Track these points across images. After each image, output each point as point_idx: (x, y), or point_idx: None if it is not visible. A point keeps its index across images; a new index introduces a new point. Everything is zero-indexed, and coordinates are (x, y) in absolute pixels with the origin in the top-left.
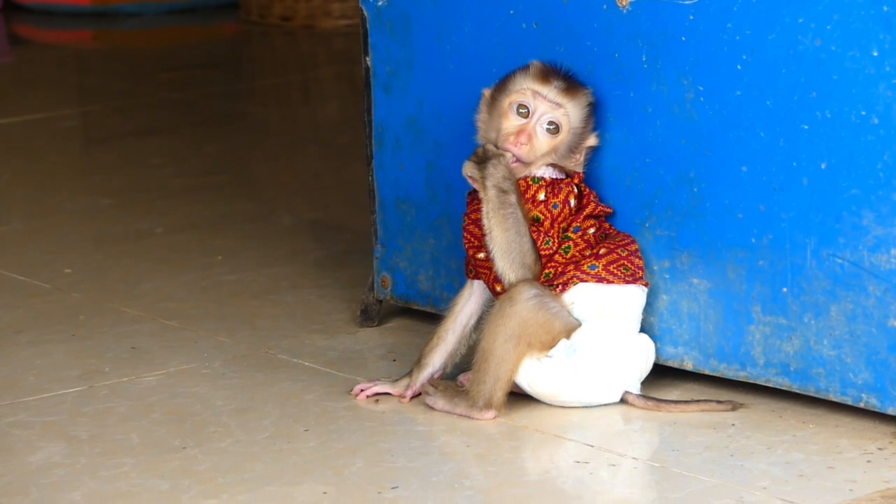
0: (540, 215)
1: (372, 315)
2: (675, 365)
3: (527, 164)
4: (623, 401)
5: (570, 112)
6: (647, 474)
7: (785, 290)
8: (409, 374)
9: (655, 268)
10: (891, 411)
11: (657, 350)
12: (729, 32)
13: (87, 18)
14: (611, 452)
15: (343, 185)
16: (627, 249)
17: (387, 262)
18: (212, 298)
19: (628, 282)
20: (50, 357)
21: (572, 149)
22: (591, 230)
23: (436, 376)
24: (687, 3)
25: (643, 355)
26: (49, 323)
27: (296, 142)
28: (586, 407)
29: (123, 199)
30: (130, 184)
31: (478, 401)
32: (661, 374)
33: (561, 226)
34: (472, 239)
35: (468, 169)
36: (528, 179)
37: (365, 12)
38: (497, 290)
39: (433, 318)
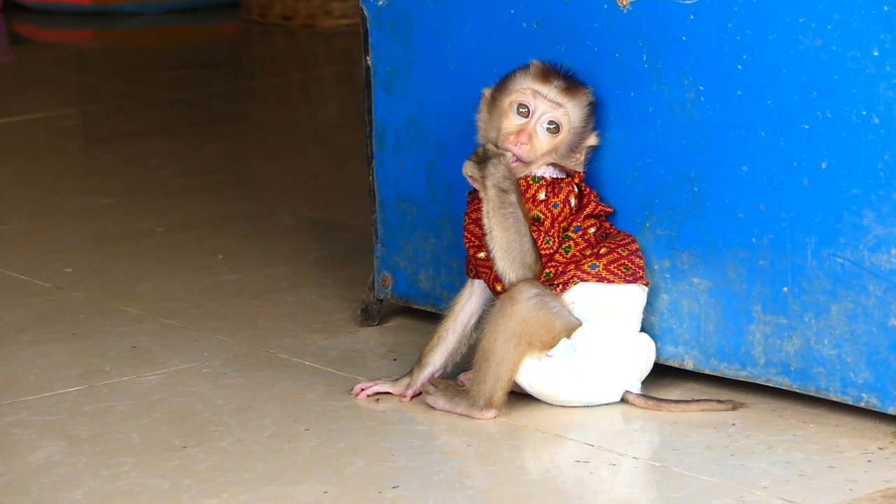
0: (540, 215)
1: (372, 314)
2: (676, 364)
3: (527, 163)
4: (624, 400)
5: (571, 111)
6: (647, 474)
7: (785, 289)
8: (410, 373)
9: (656, 267)
10: (891, 411)
11: (658, 349)
12: (729, 32)
13: (88, 18)
14: (611, 452)
15: (343, 184)
16: (628, 249)
17: (387, 261)
18: (212, 298)
19: (629, 281)
20: (50, 356)
21: (573, 148)
22: (592, 230)
23: (436, 376)
24: (687, 2)
25: (644, 355)
26: (50, 322)
27: (296, 141)
28: (587, 406)
29: (124, 198)
30: (131, 183)
31: (478, 400)
32: (661, 373)
33: (561, 225)
34: (473, 238)
35: (468, 168)
36: (529, 179)
37: (365, 12)
38: (497, 289)
39: (434, 317)
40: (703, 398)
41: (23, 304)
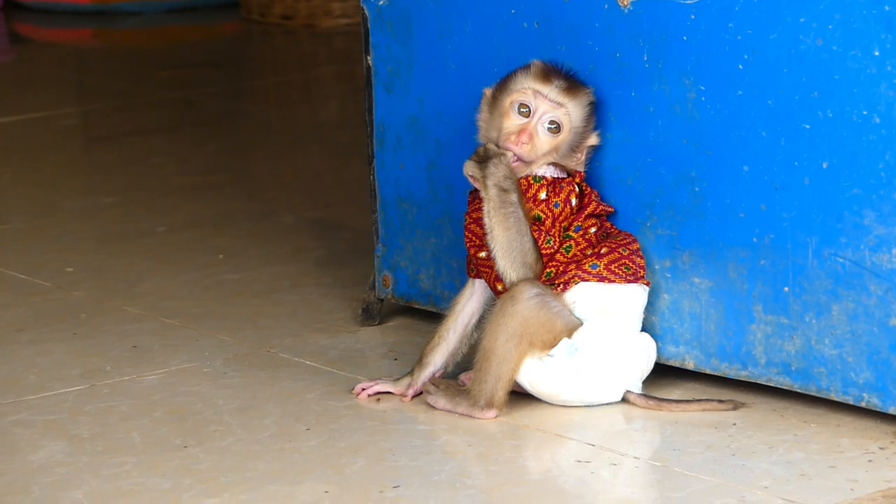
0: (541, 214)
1: (373, 314)
2: (677, 364)
3: (528, 163)
4: (624, 400)
5: (572, 111)
6: (648, 473)
7: (786, 289)
8: (411, 373)
9: (657, 267)
10: (892, 411)
11: (658, 349)
12: (730, 32)
13: (88, 17)
14: (612, 452)
15: (344, 184)
16: (629, 249)
17: (388, 260)
18: (213, 297)
19: (630, 281)
20: (51, 356)
21: (573, 148)
22: (593, 229)
23: (437, 375)
24: (688, 2)
25: (644, 354)
26: (50, 321)
27: (297, 141)
28: (588, 406)
29: (124, 197)
30: (131, 183)
31: (479, 400)
32: (662, 373)
33: (562, 225)
34: (474, 238)
35: (469, 168)
36: (530, 178)
37: (366, 11)
38: (498, 289)
39: (434, 317)
40: (704, 398)
41: (23, 303)
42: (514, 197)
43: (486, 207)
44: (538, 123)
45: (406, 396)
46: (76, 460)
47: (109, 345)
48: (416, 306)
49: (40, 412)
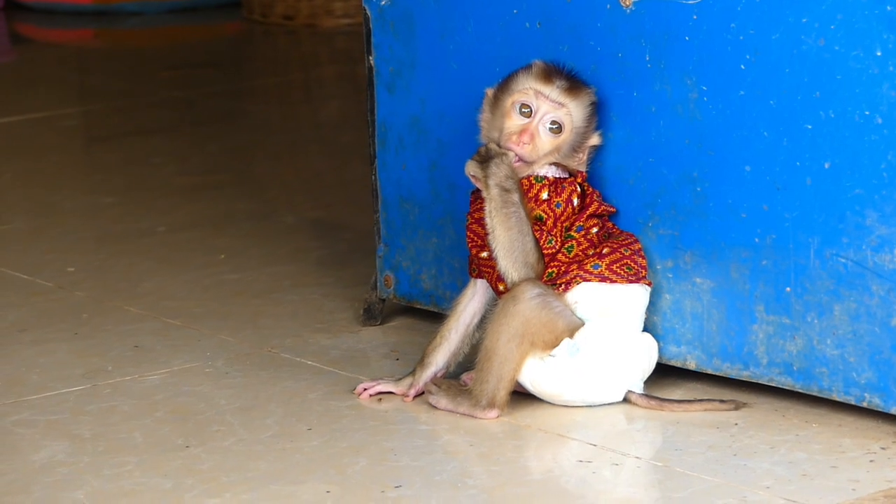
0: (543, 214)
1: (375, 314)
2: (678, 364)
3: (529, 163)
4: (626, 400)
5: (573, 111)
6: (650, 473)
7: (788, 289)
8: (413, 373)
9: (658, 267)
10: (894, 411)
11: (660, 349)
12: (732, 32)
13: (89, 17)
14: (614, 452)
15: (345, 183)
16: (631, 249)
17: (390, 260)
18: (214, 297)
19: (631, 281)
20: (53, 355)
21: (575, 148)
22: (595, 229)
23: (439, 375)
24: (690, 2)
25: (646, 354)
26: (52, 321)
27: (298, 141)
28: (589, 406)
29: (125, 197)
30: (132, 182)
31: (481, 400)
32: (664, 373)
33: (564, 225)
34: (475, 238)
35: (471, 168)
36: (531, 178)
37: (368, 12)
38: (500, 289)
39: (436, 317)
40: (705, 398)
41: (25, 303)
42: (515, 197)
43: (487, 207)
44: (539, 123)
45: (408, 396)
46: (78, 460)
47: (111, 345)
48: (418, 306)
49: (42, 412)
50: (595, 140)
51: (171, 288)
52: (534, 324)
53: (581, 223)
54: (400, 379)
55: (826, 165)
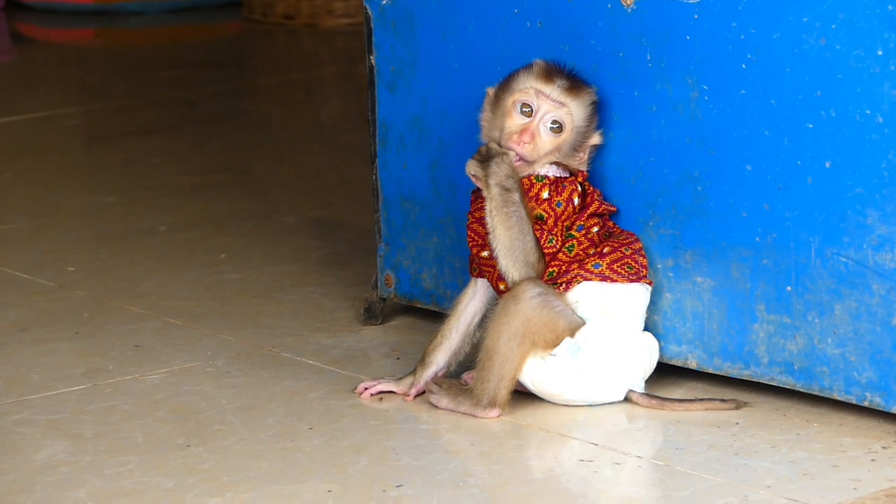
0: (543, 213)
1: (375, 313)
2: (679, 363)
3: (530, 162)
4: (627, 399)
5: (574, 111)
6: (651, 473)
7: (789, 288)
8: (413, 372)
9: (659, 266)
10: (895, 410)
11: (661, 348)
12: (733, 31)
13: (90, 17)
14: (615, 451)
15: (346, 183)
16: (631, 248)
17: (390, 260)
18: (215, 296)
19: (632, 280)
20: (54, 355)
21: (576, 147)
22: (595, 228)
23: (440, 374)
24: (691, 2)
25: (647, 354)
26: (53, 321)
27: (298, 140)
28: (590, 405)
29: (126, 197)
30: (133, 182)
31: (482, 399)
32: (664, 372)
33: (564, 224)
34: (476, 237)
35: (472, 167)
36: (532, 178)
37: (369, 11)
38: (501, 288)
39: (437, 316)
40: (706, 397)
41: (26, 302)
42: (516, 196)
43: (488, 207)
44: (540, 123)
45: (409, 396)
46: (79, 460)
47: (112, 344)
48: (419, 306)
49: (43, 411)
50: (596, 139)
51: (172, 287)
52: (535, 323)
53: (582, 222)
54: (401, 378)
55: (827, 164)
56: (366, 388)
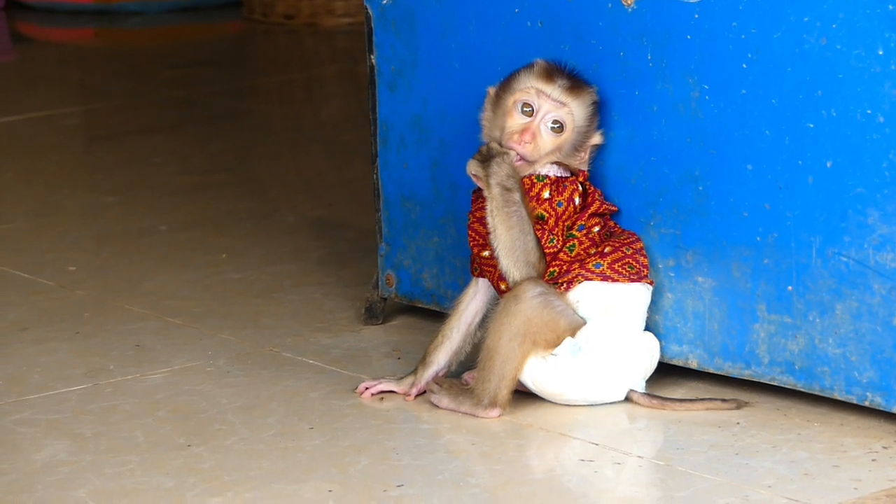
0: (544, 213)
1: (376, 313)
2: (680, 363)
3: (531, 162)
4: (628, 399)
5: (575, 110)
6: (651, 472)
7: (790, 288)
8: (414, 372)
9: (660, 266)
10: None
11: (662, 348)
12: (734, 31)
13: (90, 16)
14: (616, 451)
15: (346, 182)
16: (632, 248)
17: (391, 259)
18: (216, 296)
19: (633, 280)
20: (54, 355)
21: (577, 147)
22: (596, 228)
23: (441, 374)
24: (692, 1)
25: (648, 354)
26: (53, 321)
27: (299, 140)
28: (591, 405)
29: (126, 196)
30: (133, 182)
31: (483, 399)
32: (665, 372)
33: (565, 224)
34: (477, 237)
35: (472, 167)
36: (533, 177)
37: (370, 11)
38: (502, 288)
39: (438, 316)
40: (707, 397)
41: (26, 302)
42: (517, 196)
43: (489, 206)
44: (541, 123)
45: (409, 395)
46: (79, 459)
47: (112, 344)
48: (420, 305)
49: (43, 411)
50: (597, 139)
51: (173, 287)
52: (535, 323)
53: (583, 222)
54: (402, 378)
55: (828, 164)
56: (367, 388)
